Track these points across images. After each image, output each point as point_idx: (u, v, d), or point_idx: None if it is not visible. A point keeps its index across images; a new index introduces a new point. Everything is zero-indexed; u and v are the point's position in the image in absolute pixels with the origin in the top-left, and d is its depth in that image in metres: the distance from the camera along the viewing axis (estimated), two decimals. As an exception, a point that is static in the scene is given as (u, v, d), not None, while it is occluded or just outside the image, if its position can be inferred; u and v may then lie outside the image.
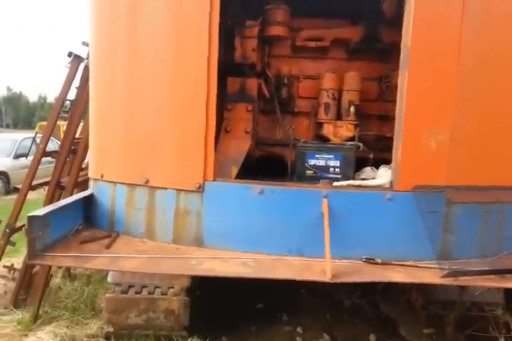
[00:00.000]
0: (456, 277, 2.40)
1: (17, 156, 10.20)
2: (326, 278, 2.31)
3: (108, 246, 2.62)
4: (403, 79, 2.69)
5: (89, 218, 3.04)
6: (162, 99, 2.81)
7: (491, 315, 2.92)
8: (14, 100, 76.07)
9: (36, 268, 3.70)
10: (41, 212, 2.49)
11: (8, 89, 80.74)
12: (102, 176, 3.04)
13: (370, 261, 2.60)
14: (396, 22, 2.88)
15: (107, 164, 3.07)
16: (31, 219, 2.39)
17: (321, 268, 2.43)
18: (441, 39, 2.66)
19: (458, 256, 2.69)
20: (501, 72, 2.77)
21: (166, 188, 2.80)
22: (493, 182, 2.80)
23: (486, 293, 2.83)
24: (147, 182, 2.82)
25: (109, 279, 2.95)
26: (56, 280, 3.97)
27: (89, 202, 3.05)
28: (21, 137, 11.26)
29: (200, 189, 2.73)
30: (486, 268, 2.48)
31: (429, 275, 2.47)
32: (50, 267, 3.54)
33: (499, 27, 2.73)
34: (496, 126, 2.82)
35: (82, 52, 4.01)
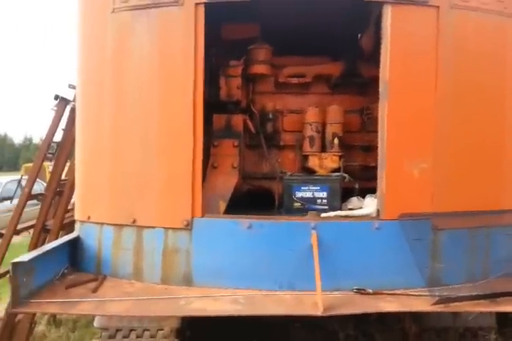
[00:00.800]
0: (447, 303, 2.42)
1: (1, 200, 9.95)
2: (318, 311, 2.30)
3: (94, 290, 2.58)
4: (383, 111, 2.80)
5: (75, 261, 3.00)
6: (149, 139, 2.86)
7: (485, 340, 2.91)
8: (-1, 142, 75.54)
9: (20, 316, 3.59)
10: (25, 257, 2.46)
11: (-7, 130, 79.85)
12: (88, 218, 3.03)
13: (361, 291, 2.60)
14: (373, 57, 3.03)
15: (94, 205, 3.07)
16: (15, 265, 2.35)
17: (312, 301, 2.42)
18: (417, 72, 2.79)
19: (447, 282, 2.71)
20: (476, 101, 2.91)
21: (153, 227, 2.80)
22: (477, 207, 2.87)
23: (479, 317, 2.83)
24: (134, 221, 2.82)
25: (95, 324, 2.87)
26: (40, 328, 3.84)
27: (75, 244, 3.02)
28: (6, 180, 11.03)
29: (189, 226, 2.73)
30: (476, 293, 2.50)
31: (420, 303, 2.48)
32: (34, 314, 3.44)
33: (472, 60, 2.89)
34: (475, 153, 2.93)
35: (69, 94, 4.11)
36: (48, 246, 2.95)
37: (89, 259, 2.99)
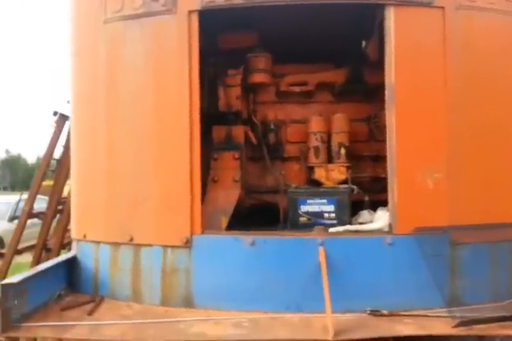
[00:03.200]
0: (469, 326, 2.22)
1: (12, 219, 9.96)
2: (329, 336, 2.12)
3: (90, 313, 2.45)
4: (391, 118, 2.66)
5: (72, 282, 2.88)
6: (144, 155, 2.76)
7: None
8: (13, 162, 75.63)
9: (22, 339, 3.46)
10: (16, 278, 2.36)
11: (7, 152, 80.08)
12: (84, 236, 2.92)
13: (375, 313, 2.42)
14: (379, 63, 2.90)
15: (90, 223, 2.96)
16: (5, 286, 2.26)
17: (322, 324, 2.25)
18: (425, 75, 2.66)
19: (469, 302, 2.52)
20: (490, 105, 2.75)
21: (151, 245, 2.67)
22: (498, 219, 2.67)
23: (506, 339, 2.57)
24: (131, 239, 2.69)
25: None
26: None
27: (72, 264, 2.91)
28: (17, 199, 11.09)
29: (188, 244, 2.59)
30: (502, 314, 2.30)
31: (441, 325, 2.29)
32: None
33: (482, 61, 2.75)
34: (493, 160, 2.74)
35: (68, 110, 4.03)
36: (43, 266, 2.85)
37: (86, 280, 2.87)
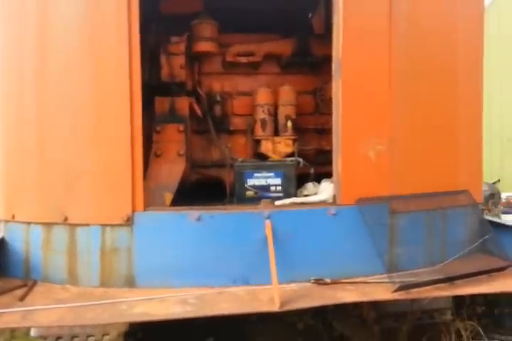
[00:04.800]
0: (407, 290, 2.35)
1: None
2: (275, 307, 2.15)
3: (22, 298, 2.29)
4: (337, 91, 2.66)
5: (0, 266, 2.67)
6: (80, 127, 2.57)
7: (442, 322, 2.90)
8: None
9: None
10: None
11: None
12: (13, 216, 2.70)
13: (319, 281, 2.49)
14: (326, 35, 2.86)
15: (19, 202, 2.74)
16: None
17: (268, 296, 2.28)
18: (371, 50, 2.67)
19: (407, 267, 2.64)
20: (430, 81, 2.84)
21: (88, 225, 2.52)
22: (433, 188, 2.82)
23: (434, 299, 2.78)
24: (66, 219, 2.53)
25: (32, 333, 2.56)
26: (-28, 340, 3.44)
27: (0, 247, 2.69)
28: None
29: (129, 221, 2.48)
30: (436, 278, 2.46)
31: (381, 290, 2.40)
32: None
33: (425, 38, 2.80)
34: (431, 133, 2.86)
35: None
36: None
37: (16, 263, 2.68)
